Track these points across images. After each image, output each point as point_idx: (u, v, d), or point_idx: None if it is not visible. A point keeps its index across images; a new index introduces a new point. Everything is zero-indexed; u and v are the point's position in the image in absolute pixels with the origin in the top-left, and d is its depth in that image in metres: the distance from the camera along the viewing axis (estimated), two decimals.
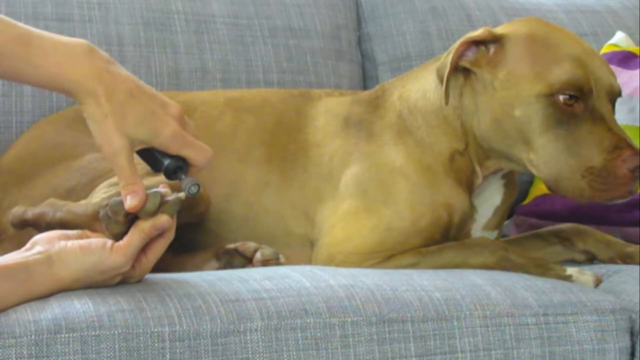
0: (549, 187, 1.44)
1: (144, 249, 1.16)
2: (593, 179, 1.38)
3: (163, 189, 1.17)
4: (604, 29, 2.10)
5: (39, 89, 1.72)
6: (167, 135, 1.15)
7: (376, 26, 2.06)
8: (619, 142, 1.39)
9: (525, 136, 1.42)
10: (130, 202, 1.14)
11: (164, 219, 1.15)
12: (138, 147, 1.16)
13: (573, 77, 1.41)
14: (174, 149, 1.16)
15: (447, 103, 1.46)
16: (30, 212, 1.30)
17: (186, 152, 1.17)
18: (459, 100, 1.48)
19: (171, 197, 1.16)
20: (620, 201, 1.42)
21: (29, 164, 1.52)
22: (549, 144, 1.41)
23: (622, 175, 1.38)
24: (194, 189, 1.16)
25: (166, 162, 1.17)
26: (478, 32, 1.47)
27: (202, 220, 1.51)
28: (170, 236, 1.18)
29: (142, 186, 1.14)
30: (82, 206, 1.28)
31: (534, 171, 1.44)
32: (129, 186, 1.14)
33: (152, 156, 1.18)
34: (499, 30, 1.48)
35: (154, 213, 1.14)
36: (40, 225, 1.29)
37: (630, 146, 1.38)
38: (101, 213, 1.16)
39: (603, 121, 1.40)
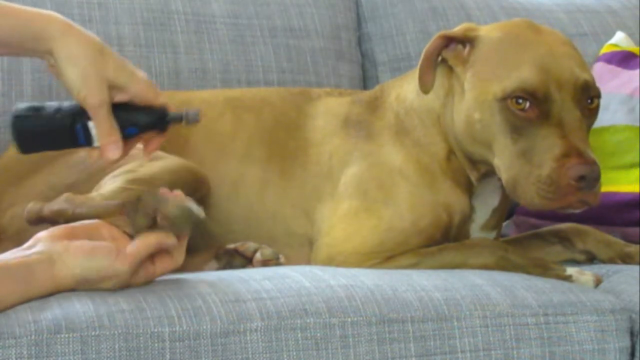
0: (507, 193, 1.42)
1: (152, 258, 1.16)
2: (541, 187, 1.35)
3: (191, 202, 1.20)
4: (604, 29, 2.10)
5: (38, 89, 1.72)
6: (144, 81, 1.18)
7: (376, 26, 2.06)
8: (569, 150, 1.34)
9: (487, 140, 1.41)
10: (113, 153, 1.17)
11: (170, 240, 1.16)
12: (116, 98, 1.18)
13: (526, 82, 1.38)
14: (151, 96, 1.19)
15: (424, 92, 1.45)
16: (47, 209, 1.28)
17: (162, 100, 1.20)
18: (444, 100, 1.48)
19: (195, 207, 1.19)
20: (573, 211, 1.38)
21: (26, 163, 1.51)
22: (505, 149, 1.39)
23: (565, 184, 1.34)
24: (195, 116, 1.21)
25: (150, 113, 1.20)
26: (455, 29, 1.47)
27: (204, 207, 1.50)
28: (178, 261, 1.19)
29: (120, 138, 1.17)
30: (103, 201, 1.28)
31: (499, 175, 1.42)
32: (111, 137, 1.17)
33: (125, 113, 1.19)
34: (480, 30, 1.47)
35: (174, 217, 1.16)
36: (58, 222, 1.28)
37: (579, 155, 1.34)
38: (128, 207, 1.17)
39: (559, 127, 1.37)
